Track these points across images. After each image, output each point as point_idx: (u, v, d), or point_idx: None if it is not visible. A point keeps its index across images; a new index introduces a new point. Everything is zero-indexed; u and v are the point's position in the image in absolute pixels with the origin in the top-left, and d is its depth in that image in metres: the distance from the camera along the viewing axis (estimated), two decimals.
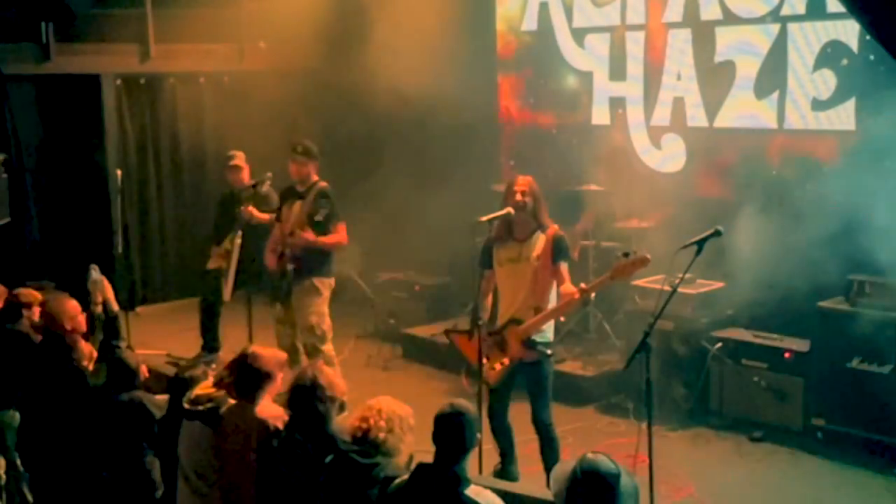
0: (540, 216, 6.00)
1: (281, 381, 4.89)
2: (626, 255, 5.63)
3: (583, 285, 5.74)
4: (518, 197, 5.94)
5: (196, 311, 8.87)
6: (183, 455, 4.94)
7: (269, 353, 4.90)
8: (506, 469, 6.22)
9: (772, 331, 7.24)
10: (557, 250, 5.92)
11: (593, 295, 5.78)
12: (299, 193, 7.43)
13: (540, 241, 5.95)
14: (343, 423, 4.54)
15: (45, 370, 5.67)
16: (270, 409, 4.76)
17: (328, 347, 7.41)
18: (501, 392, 6.09)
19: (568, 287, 5.82)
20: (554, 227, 5.99)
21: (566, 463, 3.71)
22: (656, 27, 8.55)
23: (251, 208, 8.06)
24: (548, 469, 5.93)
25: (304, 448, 4.46)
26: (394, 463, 4.20)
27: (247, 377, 4.77)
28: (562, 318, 6.49)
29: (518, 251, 6.00)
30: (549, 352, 5.98)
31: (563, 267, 5.93)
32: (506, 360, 5.98)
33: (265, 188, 8.17)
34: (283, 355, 5.01)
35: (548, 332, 6.02)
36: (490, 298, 6.25)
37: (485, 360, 5.97)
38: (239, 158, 8.59)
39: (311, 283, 7.33)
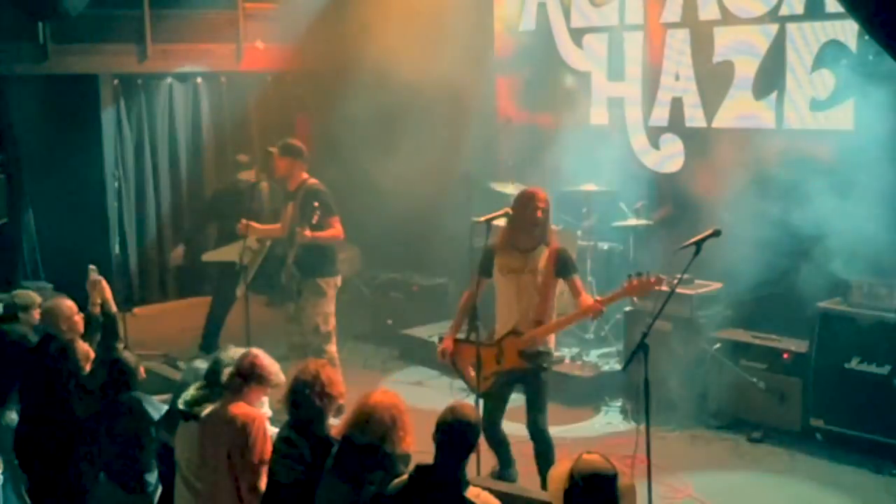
0: (547, 231, 6.02)
1: (267, 393, 4.95)
2: (638, 274, 5.68)
3: (598, 298, 5.86)
4: (539, 214, 5.92)
5: (193, 311, 8.83)
6: (180, 456, 4.95)
7: (272, 364, 4.93)
8: (503, 472, 6.21)
9: (770, 331, 7.23)
10: (564, 265, 5.93)
11: (605, 309, 5.90)
12: (291, 194, 7.40)
13: (544, 255, 5.95)
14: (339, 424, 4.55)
15: (42, 371, 5.66)
16: (248, 409, 4.77)
17: (332, 348, 7.39)
18: (497, 403, 6.07)
19: (587, 299, 5.89)
20: (556, 242, 6.03)
21: (563, 464, 3.70)
22: (655, 27, 8.54)
23: (253, 223, 7.89)
24: (543, 475, 5.90)
25: (297, 447, 4.47)
26: (392, 458, 4.20)
27: (239, 370, 4.82)
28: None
29: (522, 262, 5.96)
30: (545, 365, 5.97)
31: (577, 280, 5.97)
32: (497, 369, 5.96)
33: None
34: (283, 379, 4.98)
35: (550, 343, 6.04)
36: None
37: (474, 372, 5.94)
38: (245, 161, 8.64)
39: (315, 283, 7.30)
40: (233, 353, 5.08)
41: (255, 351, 4.96)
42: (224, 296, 8.64)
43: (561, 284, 6.01)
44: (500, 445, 6.18)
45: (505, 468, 6.21)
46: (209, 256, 8.67)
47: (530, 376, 5.96)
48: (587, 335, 8.46)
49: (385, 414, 4.22)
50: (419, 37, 8.88)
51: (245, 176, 8.65)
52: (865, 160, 6.79)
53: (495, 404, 6.06)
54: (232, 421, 4.70)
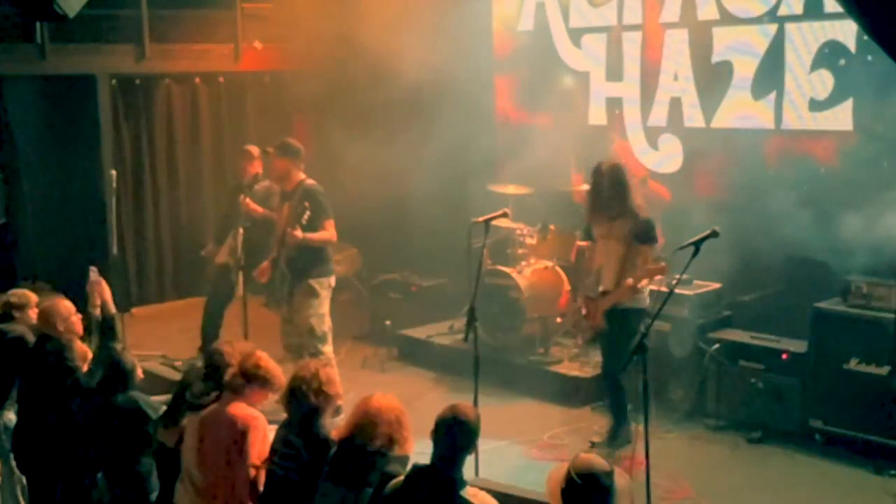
0: (626, 200, 6.53)
1: (268, 397, 4.94)
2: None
3: (629, 281, 6.42)
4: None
5: (191, 312, 8.81)
6: (185, 449, 4.93)
7: (276, 367, 4.93)
8: (614, 434, 6.73)
9: (769, 332, 7.22)
10: (638, 233, 6.46)
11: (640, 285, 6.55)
12: (288, 195, 7.38)
13: (627, 222, 6.46)
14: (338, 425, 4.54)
15: (40, 371, 5.65)
16: (248, 409, 4.78)
17: (328, 349, 7.36)
18: (604, 352, 6.88)
19: (649, 266, 6.40)
20: (646, 211, 6.53)
21: (560, 465, 3.71)
22: (653, 27, 8.54)
23: (249, 201, 7.93)
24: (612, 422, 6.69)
25: (294, 446, 4.47)
26: (391, 459, 4.19)
27: (243, 371, 4.82)
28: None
29: (608, 228, 6.66)
30: (609, 327, 6.57)
31: (645, 250, 6.47)
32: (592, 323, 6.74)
33: (259, 187, 8.12)
34: (285, 381, 4.98)
35: (638, 301, 6.54)
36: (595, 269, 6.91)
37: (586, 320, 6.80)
38: (251, 151, 8.54)
39: (308, 285, 7.28)
40: (229, 347, 5.10)
41: (260, 353, 4.96)
42: (219, 296, 8.62)
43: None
44: (615, 392, 6.76)
45: (617, 427, 6.73)
46: (219, 258, 8.65)
47: (610, 331, 6.65)
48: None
49: (391, 416, 4.23)
50: (418, 37, 8.86)
51: (252, 169, 8.50)
52: (864, 160, 6.79)
53: (603, 355, 6.87)
54: (231, 421, 4.70)
